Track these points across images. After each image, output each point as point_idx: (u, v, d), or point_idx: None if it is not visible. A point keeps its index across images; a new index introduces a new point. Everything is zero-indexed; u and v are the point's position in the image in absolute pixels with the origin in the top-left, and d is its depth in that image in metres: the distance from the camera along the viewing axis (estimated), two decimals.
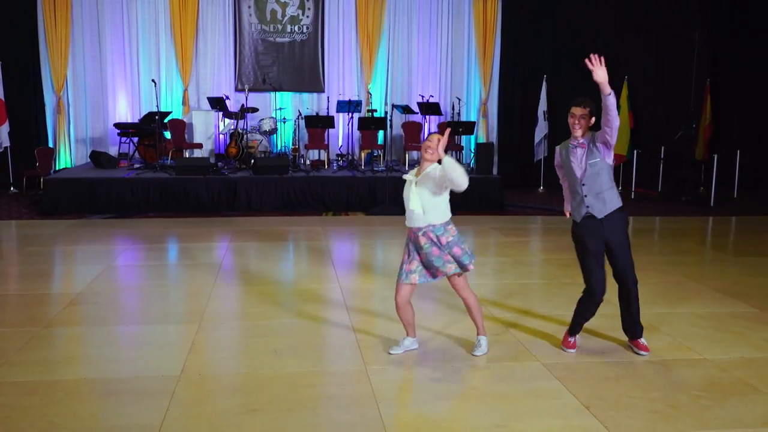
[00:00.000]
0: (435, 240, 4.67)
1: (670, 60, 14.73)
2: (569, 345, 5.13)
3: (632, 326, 5.07)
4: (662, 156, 13.92)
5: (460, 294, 4.90)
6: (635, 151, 13.89)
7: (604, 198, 4.73)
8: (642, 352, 5.02)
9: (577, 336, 5.18)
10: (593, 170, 4.68)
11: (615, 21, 14.65)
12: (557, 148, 5.01)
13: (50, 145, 13.62)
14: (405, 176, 4.82)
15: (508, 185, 13.78)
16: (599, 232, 4.77)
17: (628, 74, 14.12)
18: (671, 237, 9.98)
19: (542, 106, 14.08)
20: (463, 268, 4.74)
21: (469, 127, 13.52)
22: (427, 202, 4.64)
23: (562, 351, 5.08)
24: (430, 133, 4.81)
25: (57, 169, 13.34)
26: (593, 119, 4.72)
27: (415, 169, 4.83)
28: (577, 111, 4.69)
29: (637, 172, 13.86)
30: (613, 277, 4.91)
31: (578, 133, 4.71)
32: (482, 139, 14.58)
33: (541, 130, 14.10)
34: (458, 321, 5.74)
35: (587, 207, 4.76)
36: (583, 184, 4.73)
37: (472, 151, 13.85)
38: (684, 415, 4.10)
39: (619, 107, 13.73)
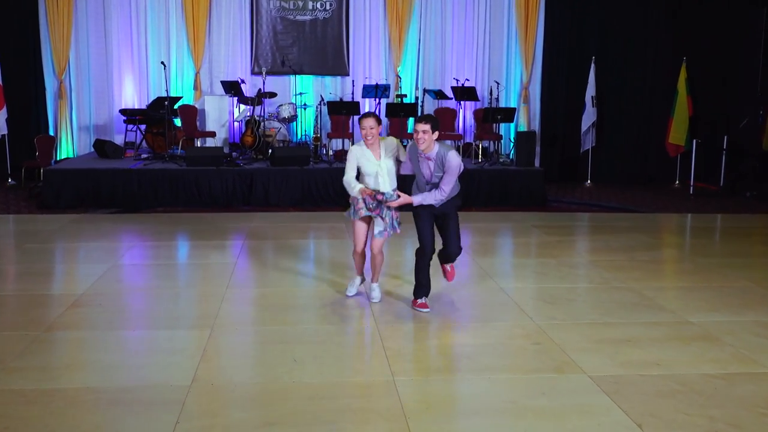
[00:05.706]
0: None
1: (734, 40, 14.47)
2: (422, 305, 6.13)
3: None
4: (724, 146, 13.74)
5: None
6: (694, 141, 13.72)
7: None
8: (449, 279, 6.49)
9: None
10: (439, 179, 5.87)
11: None
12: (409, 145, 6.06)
13: (51, 133, 13.82)
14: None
15: (551, 178, 13.69)
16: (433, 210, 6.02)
17: (687, 56, 13.95)
18: (734, 237, 9.85)
19: (590, 90, 13.91)
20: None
21: (508, 114, 13.41)
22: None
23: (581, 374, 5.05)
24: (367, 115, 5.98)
25: (58, 159, 13.52)
26: (436, 133, 5.73)
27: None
28: (419, 127, 5.69)
29: (696, 165, 13.70)
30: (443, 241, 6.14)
31: (422, 146, 5.74)
32: (523, 128, 14.50)
33: (589, 117, 13.92)
34: (492, 329, 5.74)
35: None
36: (429, 182, 5.93)
37: (512, 140, 13.76)
38: None
39: (677, 92, 13.75)
